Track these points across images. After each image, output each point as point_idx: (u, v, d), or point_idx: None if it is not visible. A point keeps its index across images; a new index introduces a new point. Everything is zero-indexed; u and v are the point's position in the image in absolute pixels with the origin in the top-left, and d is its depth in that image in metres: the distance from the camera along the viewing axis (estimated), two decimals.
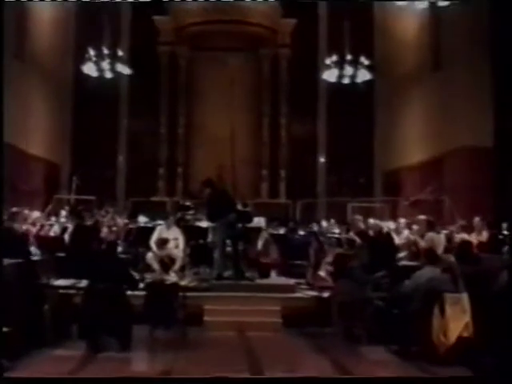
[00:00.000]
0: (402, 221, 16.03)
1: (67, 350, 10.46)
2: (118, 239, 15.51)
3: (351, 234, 15.28)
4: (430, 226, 14.14)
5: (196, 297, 12.34)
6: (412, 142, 22.74)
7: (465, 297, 9.97)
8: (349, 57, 21.36)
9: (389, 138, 24.53)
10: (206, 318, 12.49)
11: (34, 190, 21.10)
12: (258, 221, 15.09)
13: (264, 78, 25.85)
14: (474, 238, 14.19)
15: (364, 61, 21.39)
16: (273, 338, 12.01)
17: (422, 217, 14.96)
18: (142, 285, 11.72)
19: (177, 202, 21.98)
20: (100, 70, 21.05)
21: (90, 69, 21.13)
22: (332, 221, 18.84)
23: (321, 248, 15.20)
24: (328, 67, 21.68)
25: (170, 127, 25.62)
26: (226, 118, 25.04)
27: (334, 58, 21.47)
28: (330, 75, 21.73)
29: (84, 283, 11.07)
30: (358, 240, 14.65)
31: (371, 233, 15.25)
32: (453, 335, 9.81)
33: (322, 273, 14.12)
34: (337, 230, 16.95)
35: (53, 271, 12.37)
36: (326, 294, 12.53)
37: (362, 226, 15.81)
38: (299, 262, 15.61)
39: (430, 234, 13.82)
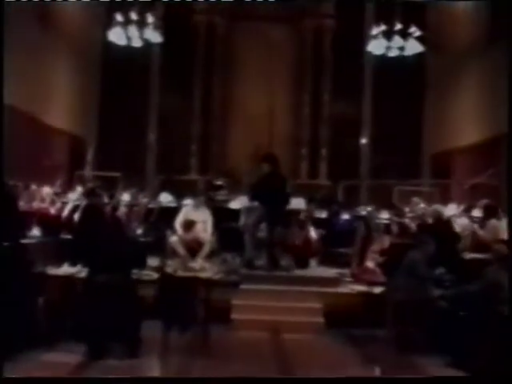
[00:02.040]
0: (462, 206, 13.71)
1: (63, 355, 8.38)
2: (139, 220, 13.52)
3: (407, 221, 13.02)
4: (491, 212, 11.78)
5: (222, 290, 10.23)
6: (465, 121, 20.31)
7: None
8: (398, 26, 18.87)
9: (439, 117, 22.12)
10: (233, 316, 10.42)
11: (57, 165, 19.06)
12: (298, 202, 12.84)
13: (306, 51, 23.48)
14: None
15: (415, 31, 18.92)
16: (313, 341, 9.96)
17: (484, 201, 12.61)
18: (156, 275, 9.52)
19: (209, 180, 19.98)
20: (128, 37, 18.71)
21: (116, 35, 18.83)
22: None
23: (368, 235, 13.02)
24: (375, 37, 19.21)
25: (204, 102, 23.34)
26: (264, 93, 22.92)
27: (382, 27, 19.01)
28: (376, 46, 19.23)
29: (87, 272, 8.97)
30: (413, 227, 12.43)
31: (429, 220, 13.02)
32: None
33: (370, 264, 11.93)
34: (385, 215, 14.61)
35: (56, 256, 10.34)
36: (376, 290, 10.29)
37: (420, 210, 13.54)
38: (343, 249, 13.48)
39: (493, 222, 11.54)
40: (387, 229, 13.57)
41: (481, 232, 11.62)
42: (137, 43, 18.79)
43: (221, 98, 23.56)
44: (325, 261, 13.42)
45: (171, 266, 11.03)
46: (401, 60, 19.88)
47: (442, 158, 21.71)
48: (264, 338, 9.90)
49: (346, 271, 12.67)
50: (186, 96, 23.17)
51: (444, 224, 11.75)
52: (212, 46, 23.33)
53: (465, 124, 20.28)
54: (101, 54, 22.87)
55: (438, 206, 12.24)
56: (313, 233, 13.24)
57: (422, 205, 14.98)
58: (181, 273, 10.33)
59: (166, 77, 23.11)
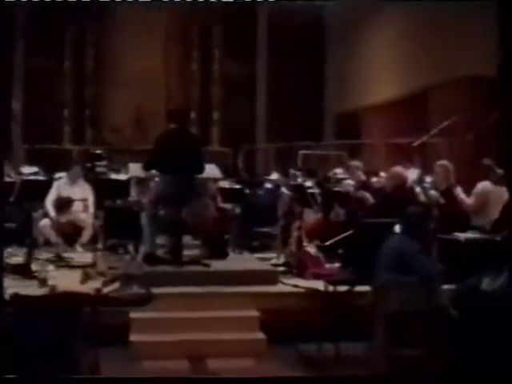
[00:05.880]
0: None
1: None
2: None
3: (351, 190, 9.63)
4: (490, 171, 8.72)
5: None
6: (379, 76, 17.03)
7: None
8: None
9: (344, 72, 18.72)
10: (133, 338, 6.71)
11: None
12: (210, 170, 9.14)
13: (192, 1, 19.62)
14: None
15: None
16: (254, 370, 6.37)
17: (443, 162, 9.37)
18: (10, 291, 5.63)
19: (86, 149, 16.45)
20: None
21: None
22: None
23: (291, 210, 9.78)
24: None
25: (77, 61, 19.39)
26: (146, 49, 19.03)
27: None
28: None
29: None
30: (369, 198, 9.05)
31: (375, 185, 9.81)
32: None
33: (311, 249, 8.52)
34: (308, 183, 11.13)
35: None
36: (340, 288, 6.89)
37: (362, 176, 10.21)
38: (265, 229, 10.28)
39: (485, 186, 8.46)
40: (313, 199, 10.17)
41: (466, 200, 8.46)
42: None
43: (96, 57, 19.64)
44: (240, 244, 10.02)
45: (40, 263, 7.55)
46: (299, 9, 16.89)
47: (350, 119, 18.52)
48: (181, 369, 6.35)
49: (271, 256, 9.47)
50: (55, 55, 19.06)
51: (410, 193, 8.46)
52: None
53: (379, 79, 17.10)
54: None
55: (399, 169, 8.88)
56: (227, 209, 9.80)
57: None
58: (53, 272, 6.76)
59: (32, 32, 18.85)
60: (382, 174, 10.59)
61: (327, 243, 8.25)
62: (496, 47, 13.08)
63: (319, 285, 7.29)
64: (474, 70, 13.36)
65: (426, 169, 10.16)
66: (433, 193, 9.00)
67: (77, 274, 6.75)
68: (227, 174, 12.72)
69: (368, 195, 9.05)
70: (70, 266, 8.24)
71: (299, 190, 9.67)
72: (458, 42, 13.73)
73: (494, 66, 13.13)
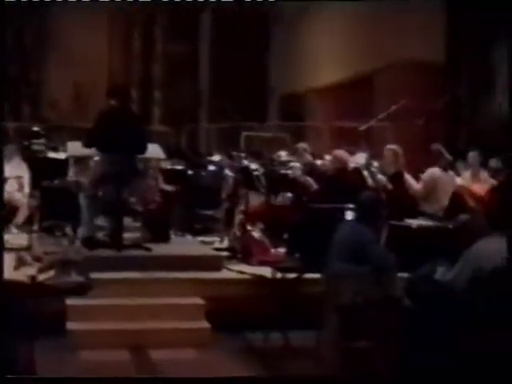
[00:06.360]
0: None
1: None
2: None
3: (297, 173, 9.29)
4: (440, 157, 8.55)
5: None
6: (324, 58, 16.85)
7: None
8: None
9: (291, 54, 18.44)
10: (70, 326, 6.30)
11: None
12: (153, 150, 8.70)
13: None
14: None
15: None
16: (199, 361, 6.05)
17: (392, 146, 9.13)
18: None
19: (23, 126, 15.74)
20: None
21: None
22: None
23: (235, 192, 9.45)
24: None
25: (16, 37, 18.74)
26: (87, 26, 18.48)
27: None
28: None
29: None
30: (312, 183, 8.76)
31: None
32: None
33: (255, 233, 8.21)
34: (253, 166, 10.76)
35: None
36: (289, 275, 6.59)
37: (309, 157, 9.87)
38: (208, 212, 9.94)
39: (434, 172, 8.28)
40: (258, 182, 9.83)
41: (415, 185, 8.29)
42: None
43: (36, 34, 19.20)
44: (182, 227, 9.64)
45: None
46: None
47: (294, 101, 18.36)
48: (121, 359, 5.98)
49: (214, 240, 9.22)
50: None
51: (353, 176, 8.21)
52: None
53: (324, 62, 16.95)
54: None
55: (340, 152, 8.64)
56: (169, 191, 9.41)
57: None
58: None
59: None
60: (327, 157, 10.36)
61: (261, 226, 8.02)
62: (443, 32, 13.21)
63: (265, 271, 7.03)
64: (418, 54, 13.37)
65: (373, 153, 9.98)
66: (380, 177, 8.79)
67: (11, 258, 6.35)
68: (169, 154, 12.32)
69: (311, 180, 8.78)
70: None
71: (244, 172, 9.34)
72: (404, 26, 13.66)
73: (441, 51, 13.27)
